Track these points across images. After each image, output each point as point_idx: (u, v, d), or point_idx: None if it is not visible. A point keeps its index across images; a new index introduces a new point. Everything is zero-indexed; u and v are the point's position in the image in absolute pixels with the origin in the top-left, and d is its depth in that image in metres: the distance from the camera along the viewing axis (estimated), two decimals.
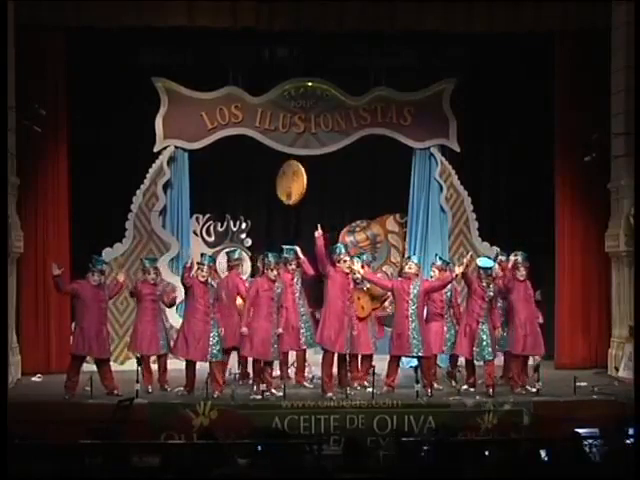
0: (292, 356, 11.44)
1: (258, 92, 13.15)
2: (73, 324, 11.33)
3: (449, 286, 10.99)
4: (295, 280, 11.16)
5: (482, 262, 10.88)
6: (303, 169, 13.12)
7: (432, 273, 11.29)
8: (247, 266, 12.89)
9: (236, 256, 11.53)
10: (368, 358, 11.11)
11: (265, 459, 6.17)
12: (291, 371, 11.45)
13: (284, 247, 11.31)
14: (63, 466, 5.87)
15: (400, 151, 13.37)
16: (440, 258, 11.50)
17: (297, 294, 11.15)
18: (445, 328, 11.06)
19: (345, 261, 10.44)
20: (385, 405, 10.05)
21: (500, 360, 11.19)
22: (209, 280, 10.56)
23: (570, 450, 6.06)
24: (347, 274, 10.47)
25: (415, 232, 13.32)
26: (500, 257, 11.40)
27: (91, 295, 10.53)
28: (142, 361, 10.81)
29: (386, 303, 11.34)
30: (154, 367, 11.13)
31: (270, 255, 10.65)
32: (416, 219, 13.32)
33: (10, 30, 11.47)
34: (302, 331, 11.07)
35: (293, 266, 11.10)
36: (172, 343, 10.97)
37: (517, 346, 10.79)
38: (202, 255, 10.94)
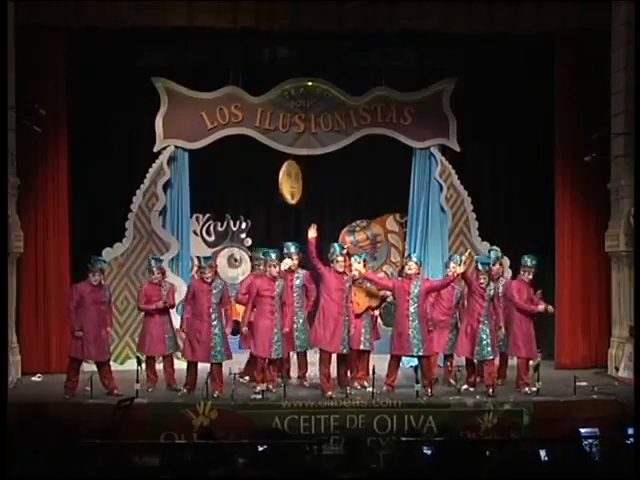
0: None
1: (258, 92, 13.14)
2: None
3: (458, 288, 11.01)
4: (295, 281, 11.12)
5: (482, 258, 10.93)
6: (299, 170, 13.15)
7: (452, 270, 11.09)
8: (247, 266, 12.90)
9: (235, 257, 11.54)
10: (367, 357, 11.11)
11: (265, 459, 6.17)
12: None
13: (286, 244, 11.29)
14: (63, 466, 5.87)
15: (400, 151, 13.37)
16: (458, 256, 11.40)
17: (296, 295, 11.10)
18: (449, 328, 11.05)
19: (338, 261, 10.43)
20: (385, 405, 10.05)
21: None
22: (213, 280, 10.56)
23: (570, 450, 6.06)
24: (341, 274, 10.46)
25: (415, 232, 13.30)
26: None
27: (91, 298, 10.53)
28: (148, 362, 10.85)
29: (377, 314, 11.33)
30: (159, 367, 11.16)
31: (271, 252, 10.71)
32: (416, 219, 13.31)
33: (10, 30, 11.48)
34: (296, 334, 11.03)
35: (294, 262, 11.03)
36: (181, 345, 11.01)
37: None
38: (205, 257, 11.03)
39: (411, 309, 10.44)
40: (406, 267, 10.87)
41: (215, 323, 10.45)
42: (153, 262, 11.26)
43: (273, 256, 10.67)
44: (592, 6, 12.37)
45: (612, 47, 12.32)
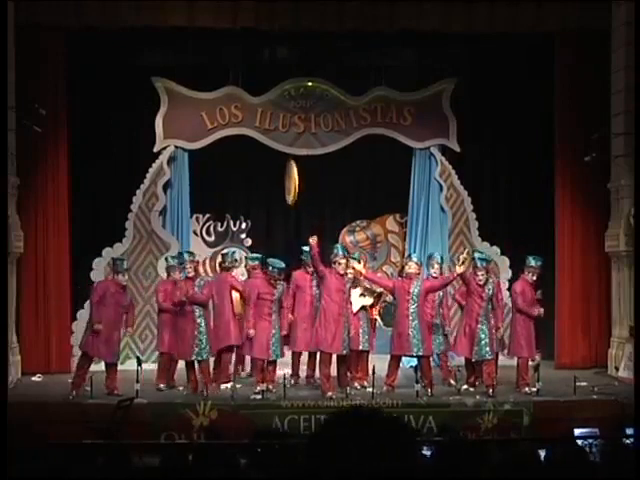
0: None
1: (258, 92, 13.14)
2: (86, 321, 11.08)
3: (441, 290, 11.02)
4: (313, 282, 11.09)
5: (479, 255, 10.95)
6: (296, 168, 13.08)
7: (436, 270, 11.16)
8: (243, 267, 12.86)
9: (234, 257, 11.51)
10: (366, 358, 11.11)
11: (265, 459, 6.17)
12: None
13: (304, 249, 11.18)
14: (63, 466, 5.87)
15: (400, 151, 13.37)
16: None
17: (315, 296, 11.06)
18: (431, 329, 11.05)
19: (340, 263, 10.43)
20: (385, 405, 10.03)
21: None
22: (195, 277, 10.60)
23: (570, 450, 6.05)
24: (342, 275, 10.46)
25: (415, 232, 13.30)
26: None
27: (114, 298, 10.53)
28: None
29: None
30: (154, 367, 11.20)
31: (273, 264, 10.74)
32: (416, 219, 13.31)
33: (10, 30, 11.49)
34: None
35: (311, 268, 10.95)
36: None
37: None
38: (188, 252, 11.02)
39: (411, 309, 10.44)
40: (406, 267, 10.88)
41: (199, 320, 10.46)
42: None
43: (273, 270, 10.73)
44: (592, 6, 12.38)
45: (612, 47, 12.32)
